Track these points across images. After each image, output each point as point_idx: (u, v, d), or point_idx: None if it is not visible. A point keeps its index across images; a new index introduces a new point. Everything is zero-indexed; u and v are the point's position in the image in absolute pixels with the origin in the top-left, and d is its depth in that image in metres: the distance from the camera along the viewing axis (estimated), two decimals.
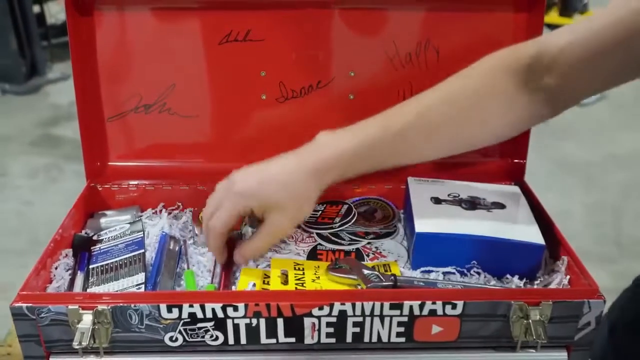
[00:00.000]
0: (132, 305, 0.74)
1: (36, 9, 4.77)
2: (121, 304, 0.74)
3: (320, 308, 0.75)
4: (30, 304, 0.74)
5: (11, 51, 4.32)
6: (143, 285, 0.84)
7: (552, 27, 4.64)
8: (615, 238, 2.91)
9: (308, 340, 0.77)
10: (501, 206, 0.95)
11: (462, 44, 1.01)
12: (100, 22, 0.99)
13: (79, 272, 0.88)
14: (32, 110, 4.21)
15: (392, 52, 1.01)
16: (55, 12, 5.39)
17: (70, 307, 0.73)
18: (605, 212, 3.12)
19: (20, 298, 0.75)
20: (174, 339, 0.76)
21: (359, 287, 0.84)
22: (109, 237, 0.95)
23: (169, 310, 0.74)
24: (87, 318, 0.74)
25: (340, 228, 0.98)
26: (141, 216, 1.03)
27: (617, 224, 3.03)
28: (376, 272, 0.86)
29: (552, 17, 4.91)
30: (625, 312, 1.06)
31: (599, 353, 1.08)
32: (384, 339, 0.77)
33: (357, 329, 0.77)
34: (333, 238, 0.97)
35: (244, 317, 0.75)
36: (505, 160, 1.07)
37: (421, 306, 0.75)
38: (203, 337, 0.76)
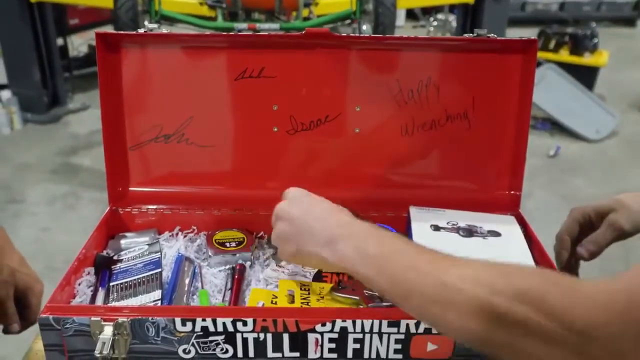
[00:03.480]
0: (150, 318, 0.80)
1: (60, 41, 4.94)
2: (140, 317, 0.80)
3: (323, 324, 0.81)
4: (57, 315, 0.80)
5: (34, 82, 4.48)
6: (160, 302, 0.91)
7: (563, 65, 4.73)
8: (619, 265, 2.93)
9: (311, 355, 0.83)
10: (496, 234, 1.01)
11: (461, 82, 1.09)
12: (126, 59, 1.07)
13: (100, 288, 0.95)
14: (52, 139, 4.34)
15: (396, 89, 1.09)
16: (78, 45, 5.58)
17: (93, 318, 0.80)
18: (614, 247, 3.15)
19: (47, 309, 0.81)
20: (187, 351, 0.82)
21: (361, 307, 0.90)
22: (128, 257, 1.02)
23: (184, 323, 0.80)
24: (108, 329, 0.80)
25: None
26: (159, 238, 1.09)
27: (626, 259, 3.04)
28: (377, 294, 0.92)
29: (563, 56, 4.99)
30: None
31: None
32: (382, 355, 0.83)
33: (357, 345, 0.82)
34: None
35: (252, 331, 0.81)
36: (502, 191, 1.13)
37: (417, 324, 0.80)
38: (214, 350, 0.82)
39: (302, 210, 0.83)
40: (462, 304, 0.61)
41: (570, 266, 0.98)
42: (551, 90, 4.49)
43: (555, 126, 4.54)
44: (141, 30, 1.06)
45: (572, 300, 0.56)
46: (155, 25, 1.07)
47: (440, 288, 0.63)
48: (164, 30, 1.10)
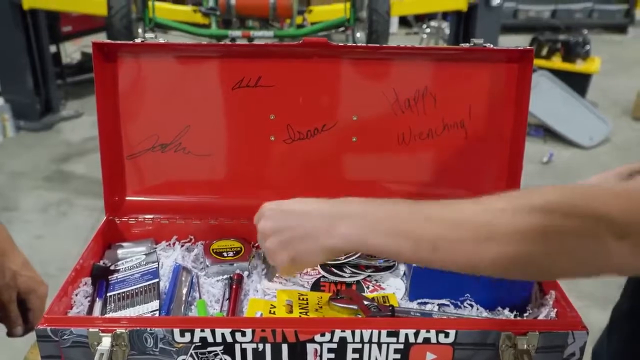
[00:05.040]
0: (148, 329, 0.80)
1: (52, 48, 4.93)
2: (138, 328, 0.80)
3: (322, 334, 0.81)
4: (54, 327, 0.80)
5: (27, 89, 4.46)
6: (157, 312, 0.90)
7: (555, 72, 4.75)
8: (619, 281, 2.93)
9: None
10: None
11: (457, 91, 1.09)
12: (123, 68, 1.07)
13: (97, 299, 0.94)
14: (45, 146, 4.32)
15: (393, 98, 1.09)
16: (71, 52, 5.57)
17: (91, 329, 0.79)
18: None
19: (45, 321, 0.81)
20: None
21: (360, 316, 0.90)
22: (125, 267, 1.02)
23: (182, 334, 0.80)
24: (106, 340, 0.80)
25: (346, 260, 1.04)
26: (156, 248, 1.09)
27: None
28: (375, 303, 0.92)
29: (556, 62, 5.02)
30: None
31: None
32: None
33: (357, 355, 0.82)
34: (335, 271, 1.03)
35: (251, 342, 0.81)
36: None
37: (416, 334, 0.80)
38: None
39: (282, 216, 0.80)
40: (498, 231, 0.63)
41: None
42: (544, 97, 4.51)
43: (548, 133, 4.56)
44: (138, 40, 1.06)
45: (592, 195, 0.62)
46: (153, 35, 1.07)
47: (468, 225, 0.65)
48: (161, 39, 1.09)
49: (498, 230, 0.63)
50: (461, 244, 0.65)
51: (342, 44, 1.08)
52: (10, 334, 0.99)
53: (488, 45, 1.04)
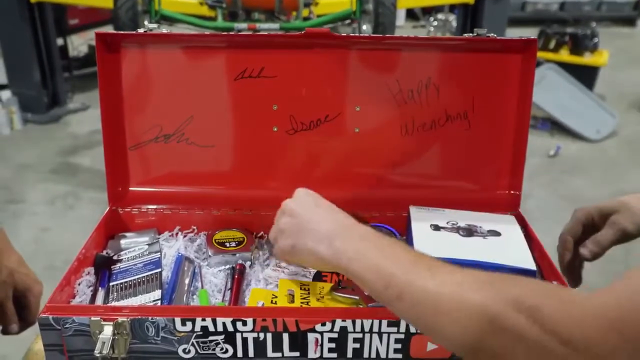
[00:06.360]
0: (150, 318, 0.80)
1: (60, 41, 4.94)
2: (139, 317, 0.80)
3: (323, 324, 0.81)
4: (57, 315, 0.80)
5: (34, 82, 4.48)
6: (159, 302, 0.91)
7: (563, 65, 4.73)
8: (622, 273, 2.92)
9: (311, 354, 0.83)
10: (496, 234, 1.01)
11: (461, 82, 1.09)
12: (126, 59, 1.07)
13: (100, 288, 0.95)
14: (52, 139, 4.34)
15: (396, 89, 1.08)
16: (78, 45, 5.58)
17: (92, 318, 0.80)
18: (614, 248, 3.13)
19: (47, 309, 0.81)
20: (186, 351, 0.82)
21: (361, 307, 0.90)
22: (128, 257, 1.02)
23: (183, 323, 0.80)
24: (108, 329, 0.80)
25: None
26: (158, 238, 1.09)
27: (626, 260, 3.03)
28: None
29: (563, 55, 4.99)
30: None
31: None
32: (382, 354, 0.83)
33: (357, 345, 0.82)
34: None
35: (252, 331, 0.81)
36: (502, 191, 1.13)
37: None
38: (214, 349, 0.82)
39: (306, 208, 0.83)
40: (456, 309, 0.61)
41: (572, 267, 0.98)
42: (551, 90, 4.49)
43: (555, 126, 4.55)
44: (141, 30, 1.06)
45: (567, 313, 0.56)
46: (155, 25, 1.07)
47: (435, 293, 0.63)
48: (164, 30, 1.10)
49: (456, 308, 0.61)
50: (422, 308, 0.64)
51: (344, 35, 1.07)
52: (5, 331, 1.00)
53: (491, 35, 1.04)
